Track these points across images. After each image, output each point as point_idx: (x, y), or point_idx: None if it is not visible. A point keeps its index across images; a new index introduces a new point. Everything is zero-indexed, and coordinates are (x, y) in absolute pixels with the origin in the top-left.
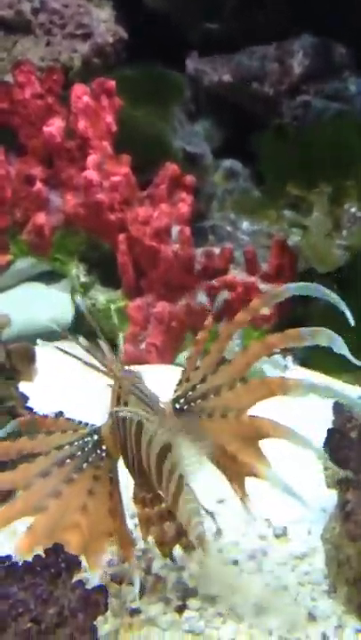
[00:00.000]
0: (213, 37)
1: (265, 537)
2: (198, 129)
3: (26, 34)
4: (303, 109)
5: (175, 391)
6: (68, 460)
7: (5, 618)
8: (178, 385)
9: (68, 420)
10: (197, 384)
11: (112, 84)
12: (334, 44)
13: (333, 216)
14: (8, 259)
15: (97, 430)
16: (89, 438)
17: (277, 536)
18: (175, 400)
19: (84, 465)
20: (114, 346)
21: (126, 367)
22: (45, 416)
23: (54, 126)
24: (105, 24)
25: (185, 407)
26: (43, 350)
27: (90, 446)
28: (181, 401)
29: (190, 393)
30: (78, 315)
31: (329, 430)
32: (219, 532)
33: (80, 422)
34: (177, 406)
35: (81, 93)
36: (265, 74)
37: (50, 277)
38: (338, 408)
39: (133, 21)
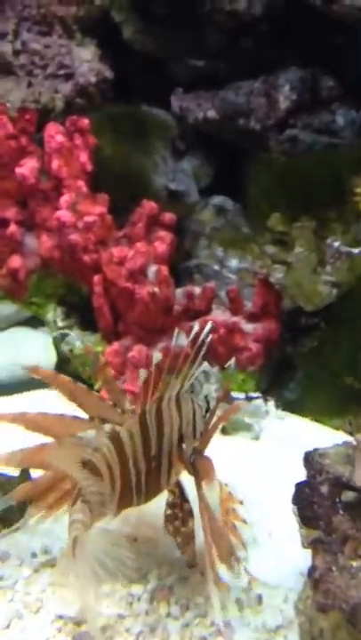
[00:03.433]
0: (199, 73)
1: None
2: (185, 166)
3: (7, 75)
4: (291, 143)
5: None
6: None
7: None
8: None
9: None
10: None
11: (85, 122)
12: (322, 76)
13: (319, 251)
14: None
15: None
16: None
17: (251, 606)
18: None
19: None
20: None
21: None
22: None
23: (27, 167)
24: (88, 63)
25: None
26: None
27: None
28: None
29: None
30: (60, 358)
31: (297, 484)
32: None
33: None
34: None
35: (54, 132)
36: (251, 109)
37: (36, 321)
38: (308, 458)
39: (118, 60)
